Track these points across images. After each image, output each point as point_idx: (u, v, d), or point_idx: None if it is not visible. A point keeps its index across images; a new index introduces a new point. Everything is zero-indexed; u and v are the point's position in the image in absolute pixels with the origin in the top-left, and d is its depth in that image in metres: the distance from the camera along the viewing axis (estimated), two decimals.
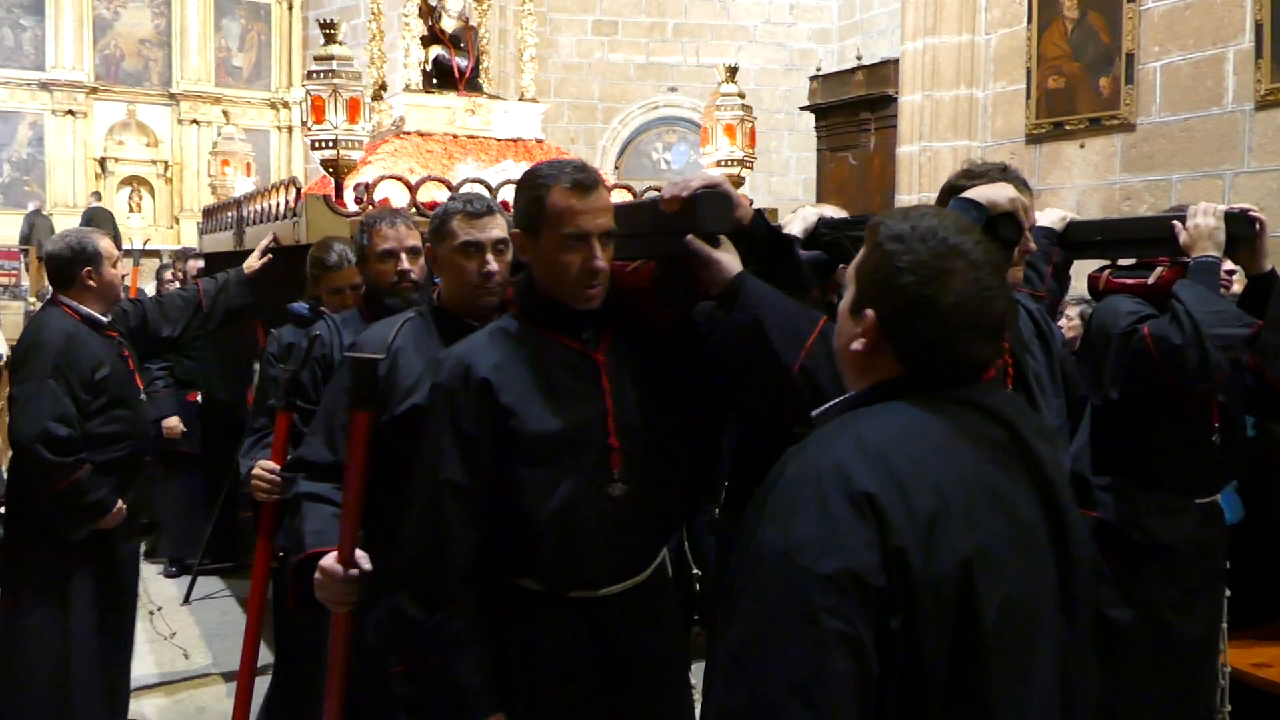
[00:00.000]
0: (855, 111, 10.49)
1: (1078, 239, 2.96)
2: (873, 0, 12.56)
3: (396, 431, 2.23)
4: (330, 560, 2.19)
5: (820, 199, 11.32)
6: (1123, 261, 3.09)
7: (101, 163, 15.65)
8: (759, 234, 1.99)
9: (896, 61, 9.24)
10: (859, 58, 10.80)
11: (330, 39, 4.15)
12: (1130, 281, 2.96)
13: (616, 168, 13.76)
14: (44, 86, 15.21)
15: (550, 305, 1.99)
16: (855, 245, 2.33)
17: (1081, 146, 7.55)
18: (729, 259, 1.92)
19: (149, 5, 15.96)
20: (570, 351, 1.99)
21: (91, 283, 3.65)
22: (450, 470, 1.92)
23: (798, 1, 13.48)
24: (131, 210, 15.99)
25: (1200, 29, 6.66)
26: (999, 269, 1.37)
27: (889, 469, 1.24)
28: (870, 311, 1.36)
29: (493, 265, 2.31)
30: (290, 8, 16.58)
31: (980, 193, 2.13)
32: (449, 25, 5.14)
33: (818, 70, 11.54)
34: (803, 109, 11.51)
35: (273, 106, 16.67)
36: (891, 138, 9.38)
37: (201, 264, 5.79)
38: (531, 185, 1.99)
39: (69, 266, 3.63)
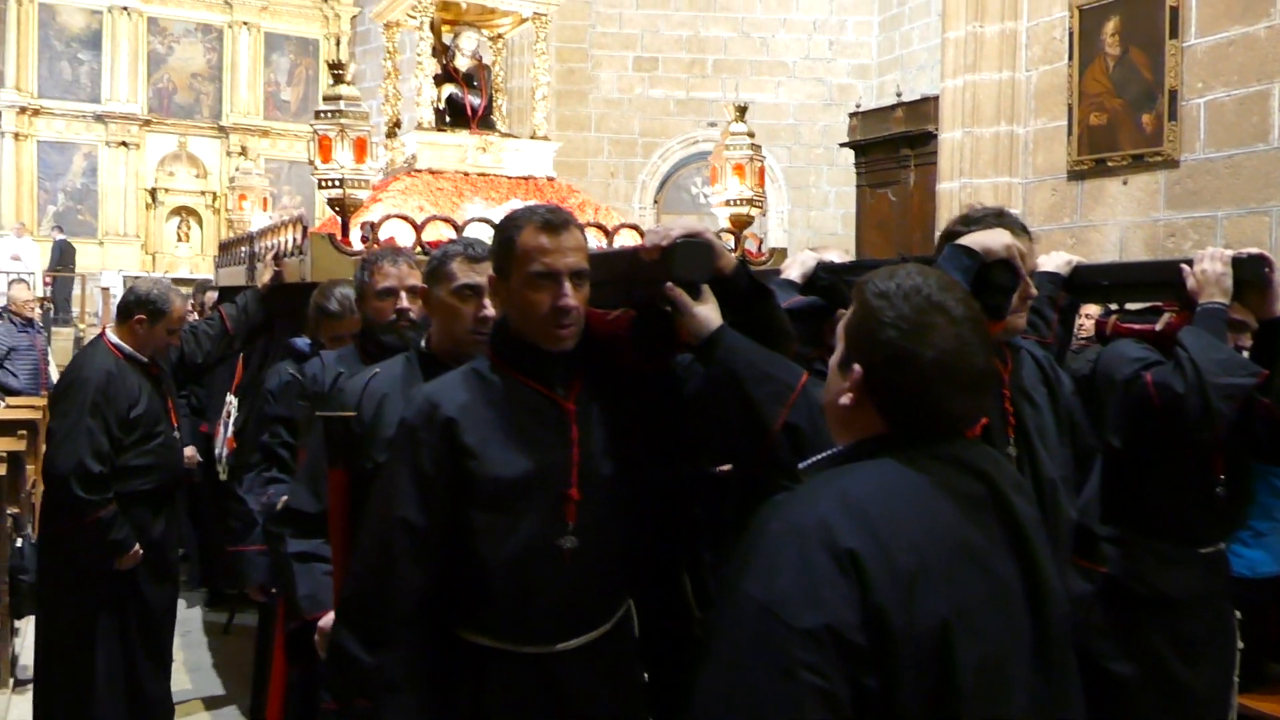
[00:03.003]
0: (895, 148, 10.39)
1: (1084, 283, 2.87)
2: (912, 36, 12.45)
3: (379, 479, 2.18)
4: (329, 621, 2.18)
5: (860, 234, 11.21)
6: (1131, 306, 3.01)
7: (152, 193, 16.01)
8: (740, 284, 1.93)
9: (936, 98, 9.13)
10: (899, 94, 10.69)
11: (339, 79, 4.15)
12: (1138, 327, 2.88)
13: (656, 201, 13.77)
14: (99, 119, 15.61)
15: (521, 348, 1.95)
16: (850, 288, 2.28)
17: (1124, 183, 7.37)
18: (708, 311, 1.88)
19: (202, 41, 16.35)
20: (540, 397, 1.95)
21: (139, 330, 3.86)
22: (405, 508, 1.88)
23: (837, 38, 13.42)
24: (180, 240, 16.30)
25: (1244, 65, 6.49)
26: (980, 325, 1.39)
27: (871, 526, 1.25)
28: (857, 366, 1.38)
29: (489, 310, 2.26)
30: (338, 43, 16.89)
31: (975, 239, 2.11)
32: (463, 64, 5.14)
33: (857, 106, 11.44)
34: (843, 145, 11.41)
35: None
36: (932, 174, 9.25)
37: (216, 295, 5.84)
38: (503, 229, 1.98)
39: (133, 308, 3.87)
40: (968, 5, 8.43)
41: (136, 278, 14.65)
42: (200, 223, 16.35)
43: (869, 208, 10.96)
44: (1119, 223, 7.41)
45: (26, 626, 4.87)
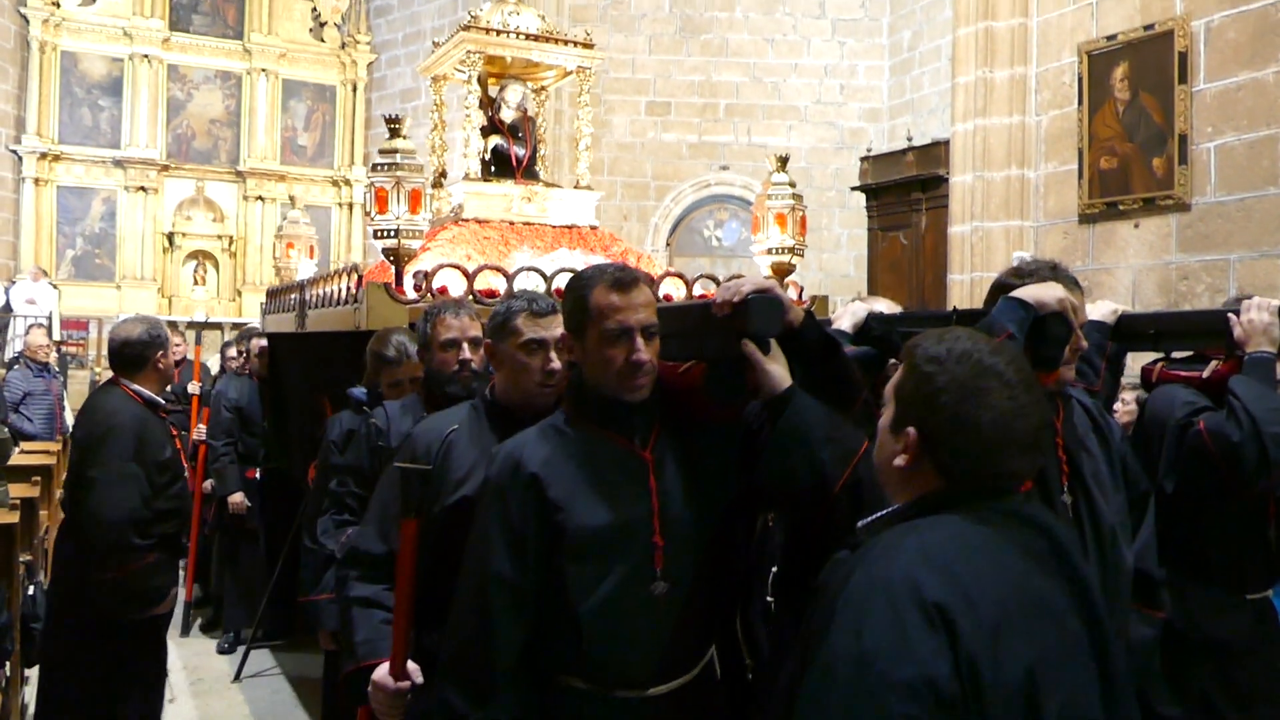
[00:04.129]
0: (907, 191, 10.54)
1: (1130, 332, 2.94)
2: (923, 80, 12.67)
3: (447, 522, 2.27)
4: (382, 673, 2.21)
5: (872, 277, 11.34)
6: (1176, 354, 3.07)
7: (170, 237, 16.13)
8: (809, 338, 2.02)
9: (947, 142, 9.28)
10: (909, 138, 10.87)
11: (395, 133, 4.29)
12: (1185, 374, 2.94)
13: (669, 244, 13.91)
14: (118, 164, 15.78)
15: (599, 402, 2.03)
16: (903, 340, 2.36)
17: (1136, 226, 7.50)
18: (779, 370, 1.97)
19: (221, 88, 16.59)
20: (618, 449, 2.02)
21: (160, 366, 3.88)
22: (498, 564, 1.95)
23: (848, 82, 13.64)
24: (196, 283, 16.42)
25: (1254, 110, 6.64)
26: (1033, 386, 1.45)
27: (955, 579, 1.30)
28: (911, 429, 1.44)
29: (555, 363, 2.36)
30: (354, 89, 17.13)
31: (1029, 292, 2.16)
32: (508, 116, 5.28)
33: (868, 150, 11.63)
34: (854, 189, 11.58)
35: (334, 184, 17.13)
36: (943, 217, 9.39)
37: (264, 343, 5.92)
38: (575, 288, 2.07)
39: (146, 349, 3.84)
40: (977, 51, 8.61)
41: (123, 320, 14.78)
42: (216, 266, 16.47)
43: (881, 250, 11.09)
44: (1131, 265, 7.53)
45: (35, 675, 4.79)
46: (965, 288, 8.46)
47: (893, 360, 2.61)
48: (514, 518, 1.96)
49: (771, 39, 13.70)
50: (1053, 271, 2.27)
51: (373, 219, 4.30)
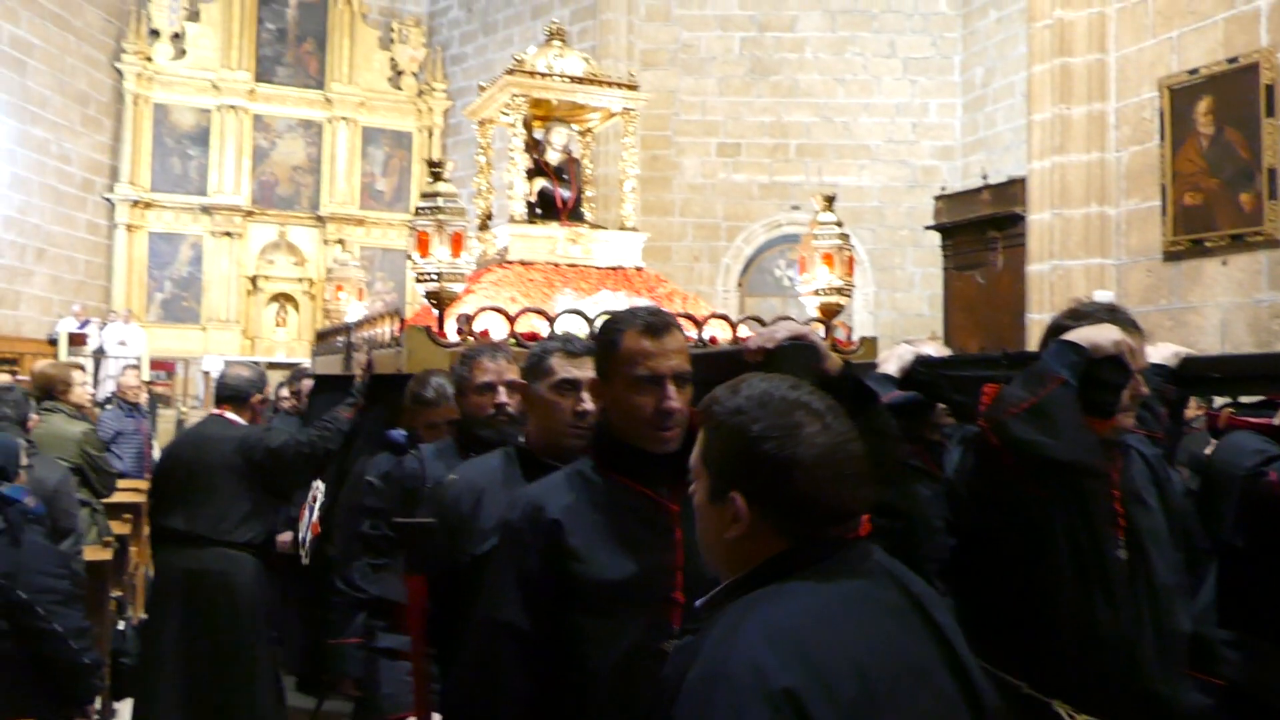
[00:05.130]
0: (982, 230, 10.31)
1: (1194, 376, 2.75)
2: (996, 117, 12.43)
3: (476, 572, 2.18)
4: None
5: (947, 317, 11.08)
6: (1244, 399, 2.88)
7: (253, 280, 16.59)
8: (844, 387, 1.93)
9: (1023, 180, 9.06)
10: (984, 176, 10.64)
11: (437, 176, 4.27)
12: (1255, 421, 2.75)
13: (740, 284, 13.83)
14: (205, 210, 16.32)
15: (625, 450, 1.96)
16: (952, 385, 2.26)
17: (1224, 264, 7.17)
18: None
19: (303, 136, 17.07)
20: (644, 499, 1.94)
21: (256, 405, 4.31)
22: (511, 613, 1.87)
23: (920, 120, 13.46)
24: (277, 325, 16.83)
25: None
26: (840, 413, 1.39)
27: (805, 658, 1.16)
28: (735, 494, 1.32)
29: (587, 405, 2.28)
30: (430, 135, 17.49)
31: (1083, 335, 2.07)
32: (553, 158, 5.28)
33: (942, 188, 11.41)
34: (928, 228, 11.36)
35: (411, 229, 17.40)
36: (1020, 256, 9.14)
37: (312, 383, 5.96)
38: (606, 332, 2.01)
39: (250, 388, 4.34)
40: (1053, 88, 8.40)
41: (234, 362, 15.21)
42: (297, 308, 16.86)
43: (956, 290, 10.85)
44: (1219, 304, 7.19)
45: (125, 708, 4.92)
46: (1044, 328, 8.15)
47: (940, 405, 2.48)
48: (530, 565, 1.89)
49: (842, 79, 13.61)
50: (1109, 314, 2.19)
51: (415, 262, 4.27)
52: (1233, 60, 6.99)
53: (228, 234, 16.39)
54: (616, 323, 2.00)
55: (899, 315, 12.91)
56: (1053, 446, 1.91)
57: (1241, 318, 7.03)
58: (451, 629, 2.18)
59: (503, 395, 2.92)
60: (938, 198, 11.23)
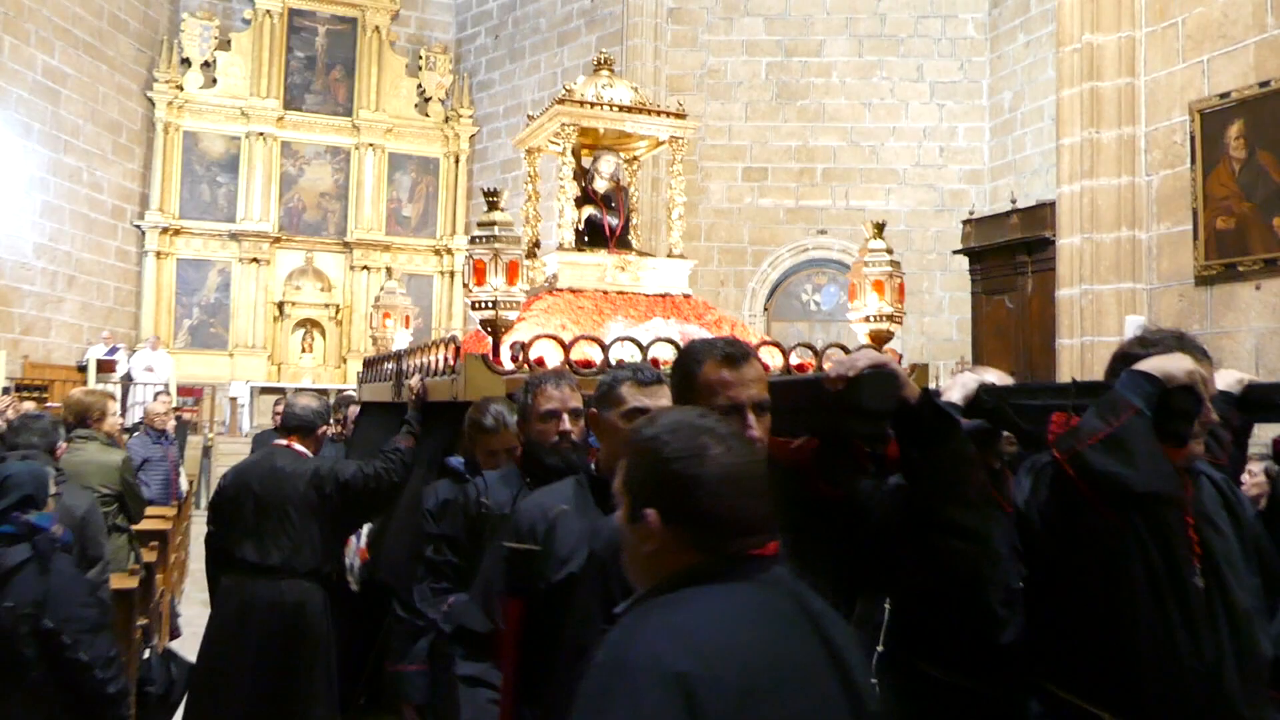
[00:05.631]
0: (1011, 254, 10.36)
1: (1258, 402, 2.78)
2: (1025, 141, 12.52)
3: (552, 600, 2.25)
4: None
5: (976, 342, 11.12)
6: None
7: (280, 306, 16.78)
8: (925, 414, 1.97)
9: (1052, 203, 9.10)
10: (1013, 200, 10.71)
11: (493, 205, 4.36)
12: None
13: (766, 309, 13.91)
14: (233, 237, 16.55)
15: None
16: (1019, 413, 2.27)
17: (1257, 288, 7.20)
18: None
19: (330, 162, 17.32)
20: None
21: (320, 436, 4.44)
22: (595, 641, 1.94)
23: (948, 144, 13.58)
24: (304, 350, 16.99)
25: None
26: (743, 438, 1.55)
27: (698, 649, 1.30)
28: (649, 511, 1.48)
29: None
30: (457, 161, 17.69)
31: (1155, 365, 2.06)
32: (601, 186, 5.35)
33: (970, 212, 11.49)
34: (956, 252, 11.43)
35: (436, 253, 17.65)
36: (1050, 280, 9.17)
37: (358, 410, 6.04)
38: (684, 363, 2.05)
39: (318, 419, 4.44)
40: (1083, 111, 8.45)
41: (266, 389, 15.39)
42: (324, 334, 17.04)
43: (985, 314, 10.90)
44: (1253, 329, 7.22)
45: None
46: (1074, 353, 8.21)
47: (1006, 434, 2.50)
48: (617, 595, 1.91)
49: (869, 103, 13.75)
50: (1178, 341, 2.18)
51: (471, 290, 4.35)
52: (1264, 84, 7.05)
53: (255, 260, 16.61)
54: (695, 352, 2.03)
55: (927, 340, 12.96)
56: (1131, 477, 1.93)
57: (1275, 342, 7.06)
58: (525, 655, 2.23)
59: (567, 423, 2.95)
60: (966, 221, 11.29)
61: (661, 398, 2.36)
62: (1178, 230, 7.81)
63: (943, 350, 12.69)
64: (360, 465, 4.28)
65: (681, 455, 1.48)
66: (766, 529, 1.52)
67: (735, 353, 2.00)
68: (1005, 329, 10.51)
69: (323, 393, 14.15)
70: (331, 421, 6.59)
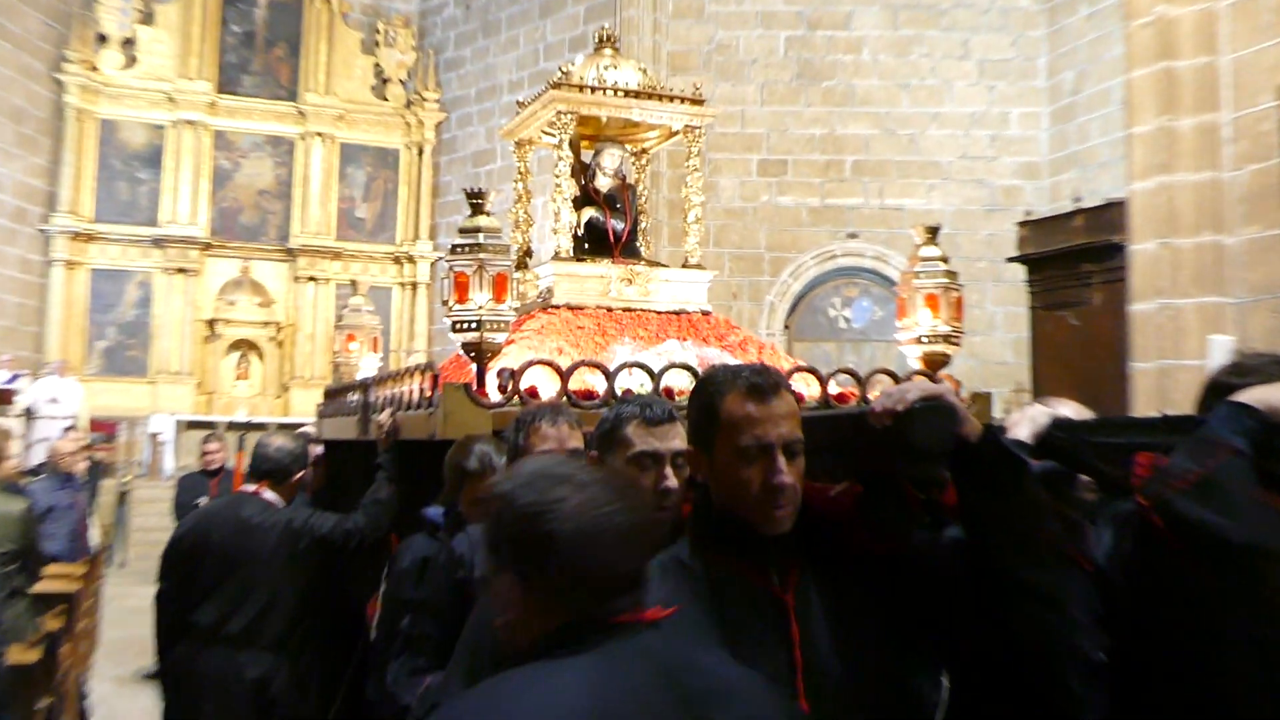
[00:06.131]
0: (1075, 261, 10.39)
1: None
2: (1089, 129, 12.63)
3: None
4: None
5: (1035, 365, 11.15)
6: None
7: (210, 324, 16.79)
8: (986, 456, 1.99)
9: (1122, 203, 9.15)
10: (1076, 198, 10.78)
11: (478, 209, 4.37)
12: None
13: (787, 326, 13.96)
14: (156, 243, 16.57)
15: (729, 530, 2.02)
16: (1099, 454, 2.30)
17: None
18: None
19: (271, 155, 17.41)
20: (753, 588, 2.00)
21: (296, 483, 4.55)
22: None
23: (1000, 132, 13.70)
24: (238, 378, 17.01)
25: None
26: (614, 482, 1.62)
27: (537, 716, 1.40)
28: (507, 574, 1.58)
29: (671, 481, 2.38)
30: (420, 153, 17.81)
31: (1257, 396, 2.06)
32: (604, 184, 5.38)
33: (1027, 213, 11.54)
34: (1010, 259, 11.49)
35: (396, 261, 17.73)
36: (1120, 292, 9.20)
37: (320, 450, 6.06)
38: (703, 393, 2.08)
39: (294, 466, 4.54)
40: (1156, 96, 8.49)
41: (193, 423, 15.36)
42: (262, 357, 17.05)
43: (1045, 333, 10.91)
44: None
45: None
46: (1151, 379, 8.25)
47: (1084, 478, 2.50)
48: None
49: (906, 84, 13.89)
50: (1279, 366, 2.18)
51: (451, 309, 4.35)
52: None
53: (182, 271, 16.64)
54: (716, 384, 2.04)
55: (977, 363, 12.98)
56: (1227, 527, 1.91)
57: None
58: None
59: None
60: (1021, 223, 11.32)
61: (674, 438, 2.40)
62: (1269, 234, 7.86)
63: (995, 375, 12.72)
64: (339, 519, 4.32)
65: (532, 511, 1.56)
66: (636, 590, 1.59)
67: (764, 383, 2.01)
68: (1068, 350, 10.54)
69: (300, 430, 14.16)
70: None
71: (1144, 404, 7.86)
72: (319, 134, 17.40)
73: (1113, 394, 9.53)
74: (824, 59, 14.03)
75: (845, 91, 13.99)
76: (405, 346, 17.20)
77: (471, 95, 17.17)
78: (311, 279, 17.19)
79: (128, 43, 16.89)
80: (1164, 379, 8.09)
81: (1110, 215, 9.91)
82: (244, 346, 17.07)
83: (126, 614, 9.24)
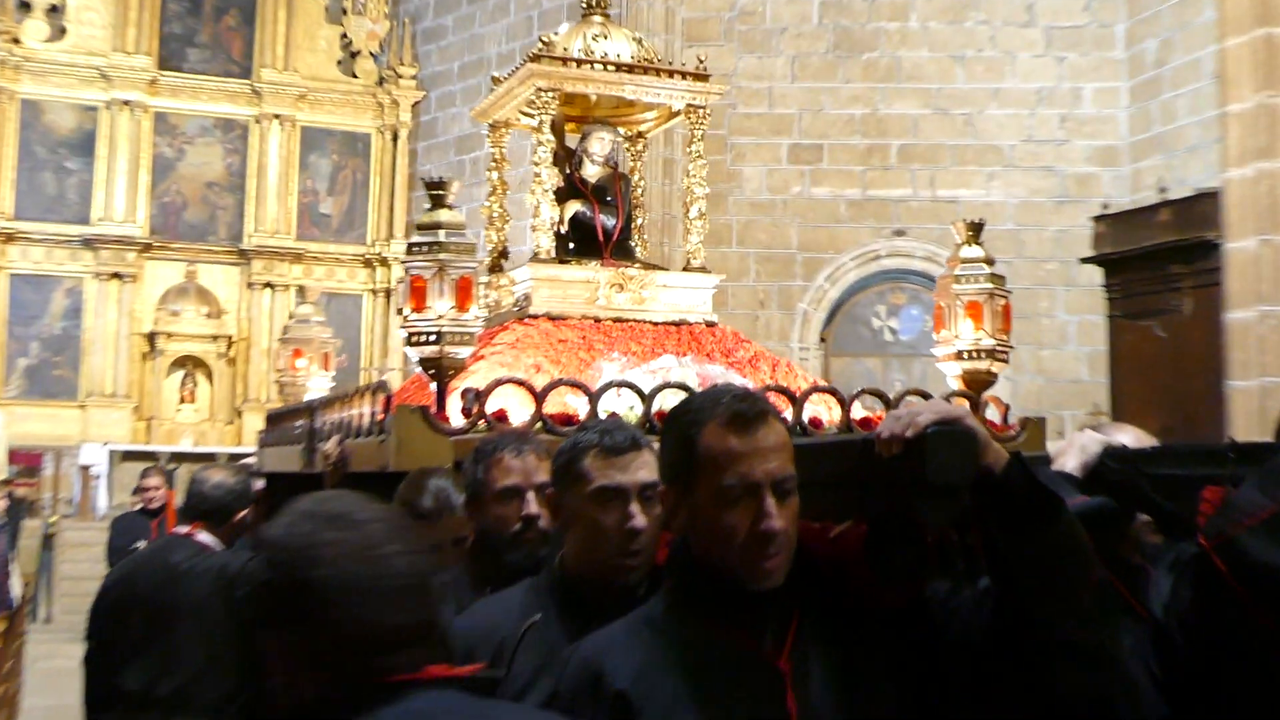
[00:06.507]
0: (1161, 262, 10.37)
1: None
2: (1176, 107, 12.56)
3: None
4: None
5: (1115, 383, 11.10)
6: None
7: (150, 338, 16.83)
8: (1015, 490, 1.94)
9: (1217, 193, 9.11)
10: (1162, 188, 10.75)
11: (438, 202, 4.39)
12: None
13: (823, 339, 13.93)
14: (87, 244, 16.63)
15: (712, 585, 2.01)
16: (1158, 487, 2.32)
17: None
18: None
19: (221, 141, 17.49)
20: (741, 653, 1.98)
21: (238, 523, 4.49)
22: None
23: (1071, 111, 13.65)
24: (183, 400, 17.01)
25: None
26: (391, 524, 1.64)
27: None
28: (269, 631, 1.59)
29: (638, 520, 2.35)
30: (395, 138, 17.87)
31: None
32: (592, 173, 5.39)
33: (1104, 206, 11.53)
34: (1085, 260, 11.42)
35: (366, 264, 17.77)
36: (1215, 298, 9.17)
37: (262, 484, 6.05)
38: (678, 424, 2.06)
39: (236, 505, 4.50)
40: (1256, 67, 8.48)
41: (131, 453, 15.36)
42: (210, 377, 17.05)
43: (1126, 345, 10.90)
44: None
45: None
46: (1251, 399, 8.19)
47: (1143, 517, 2.52)
48: None
49: (961, 56, 13.85)
50: None
51: (407, 318, 4.38)
52: None
53: (117, 276, 16.68)
54: (693, 410, 2.04)
55: (1047, 382, 12.97)
56: None
57: None
58: None
59: (533, 505, 2.97)
60: (1097, 218, 11.31)
61: (640, 469, 2.38)
62: None
63: (1068, 395, 12.68)
64: None
65: (290, 556, 1.57)
66: (414, 645, 1.58)
67: (748, 411, 1.99)
68: (1154, 366, 10.49)
69: (240, 462, 14.16)
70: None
71: (1244, 428, 7.79)
72: (277, 116, 17.45)
73: (1208, 417, 9.46)
74: (865, 26, 14.00)
75: (890, 64, 13.96)
76: (377, 364, 17.18)
77: (454, 71, 17.22)
78: (268, 285, 17.22)
79: (54, 10, 16.97)
80: (1267, 399, 8.04)
81: (1202, 208, 9.91)
82: (189, 364, 17.11)
83: (53, 677, 9.24)
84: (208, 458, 14.91)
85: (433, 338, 4.30)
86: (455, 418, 4.29)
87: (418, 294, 4.33)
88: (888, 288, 14.00)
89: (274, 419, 6.16)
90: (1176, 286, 10.31)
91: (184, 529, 4.50)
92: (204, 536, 4.40)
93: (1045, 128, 13.69)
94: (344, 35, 18.00)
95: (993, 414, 4.87)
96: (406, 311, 4.39)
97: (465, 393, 4.35)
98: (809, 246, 13.96)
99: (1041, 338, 12.95)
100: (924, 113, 13.89)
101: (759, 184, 14.02)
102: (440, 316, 4.29)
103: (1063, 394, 12.70)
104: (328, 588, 1.54)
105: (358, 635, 1.55)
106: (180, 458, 15.23)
